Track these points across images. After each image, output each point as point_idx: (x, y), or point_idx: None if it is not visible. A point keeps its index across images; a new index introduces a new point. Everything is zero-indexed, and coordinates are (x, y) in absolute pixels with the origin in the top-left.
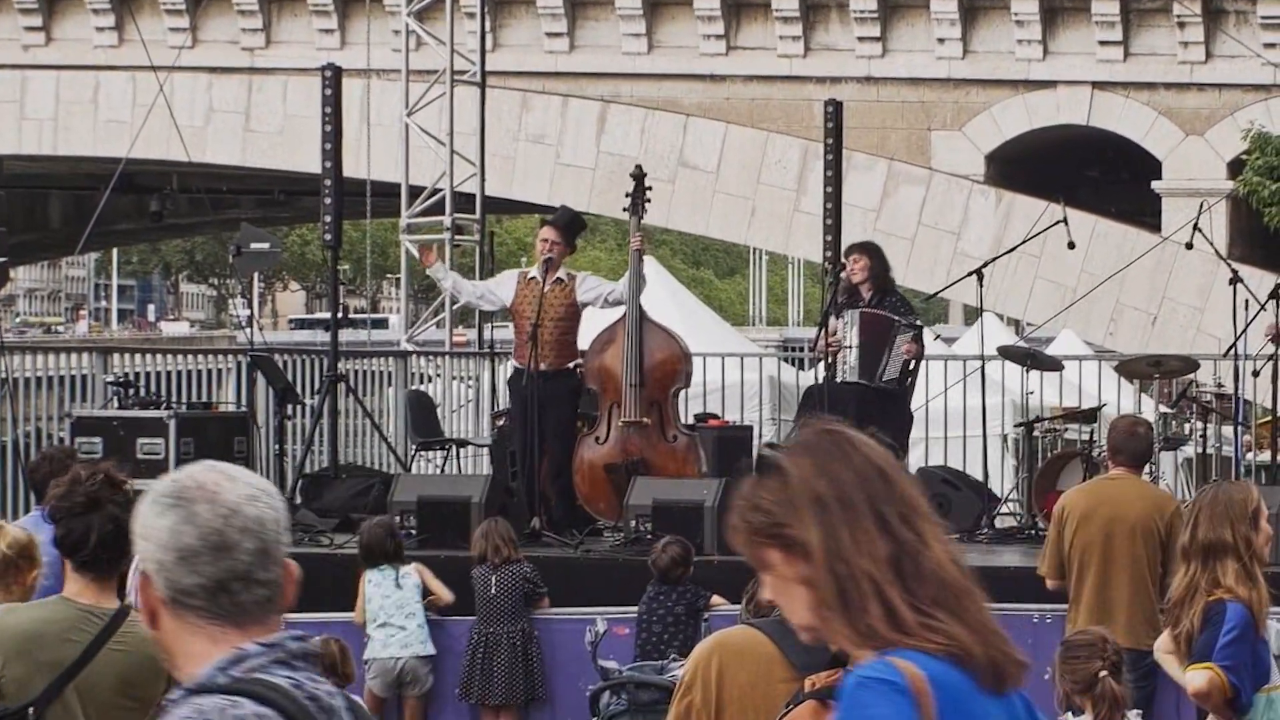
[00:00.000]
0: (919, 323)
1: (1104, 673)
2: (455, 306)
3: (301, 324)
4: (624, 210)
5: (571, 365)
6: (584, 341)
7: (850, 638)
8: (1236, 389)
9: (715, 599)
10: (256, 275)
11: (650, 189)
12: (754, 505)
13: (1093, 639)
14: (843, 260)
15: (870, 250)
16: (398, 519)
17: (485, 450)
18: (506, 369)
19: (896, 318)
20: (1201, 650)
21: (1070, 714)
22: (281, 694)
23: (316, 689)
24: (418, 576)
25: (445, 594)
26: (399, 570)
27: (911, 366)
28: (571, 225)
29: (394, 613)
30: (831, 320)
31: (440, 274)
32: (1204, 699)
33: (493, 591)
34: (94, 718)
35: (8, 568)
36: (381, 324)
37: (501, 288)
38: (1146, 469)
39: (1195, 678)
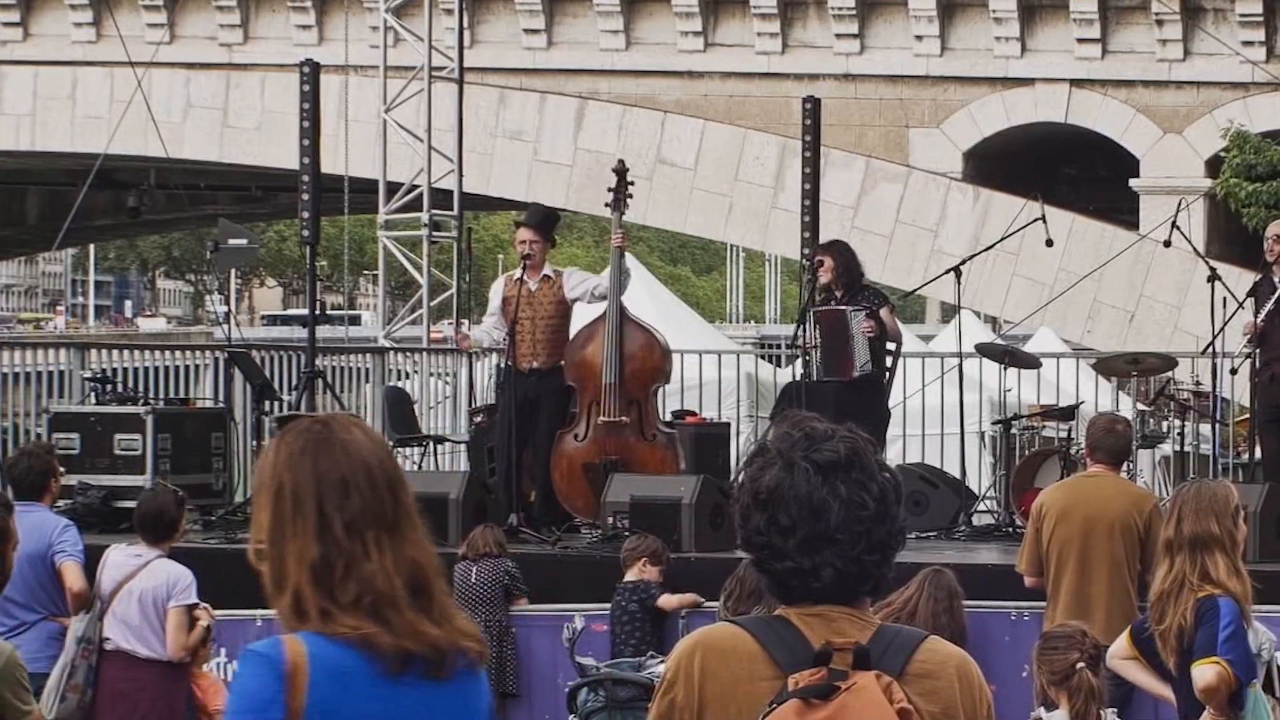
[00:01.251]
0: (876, 305)
1: (1081, 664)
2: (432, 303)
3: (275, 320)
4: (605, 205)
5: (564, 362)
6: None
7: (277, 617)
8: (1214, 387)
9: (663, 599)
10: (234, 271)
11: (632, 184)
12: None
13: (1071, 631)
14: (821, 258)
15: (836, 249)
16: None
17: (463, 447)
18: (487, 365)
19: (845, 307)
20: (1204, 646)
21: (1044, 710)
22: None
23: None
24: None
25: None
26: None
27: (889, 358)
28: (546, 222)
29: None
30: (805, 322)
31: (475, 349)
32: (1211, 694)
33: (472, 580)
34: None
35: None
36: (354, 320)
37: (496, 297)
38: (1125, 466)
39: (1205, 673)
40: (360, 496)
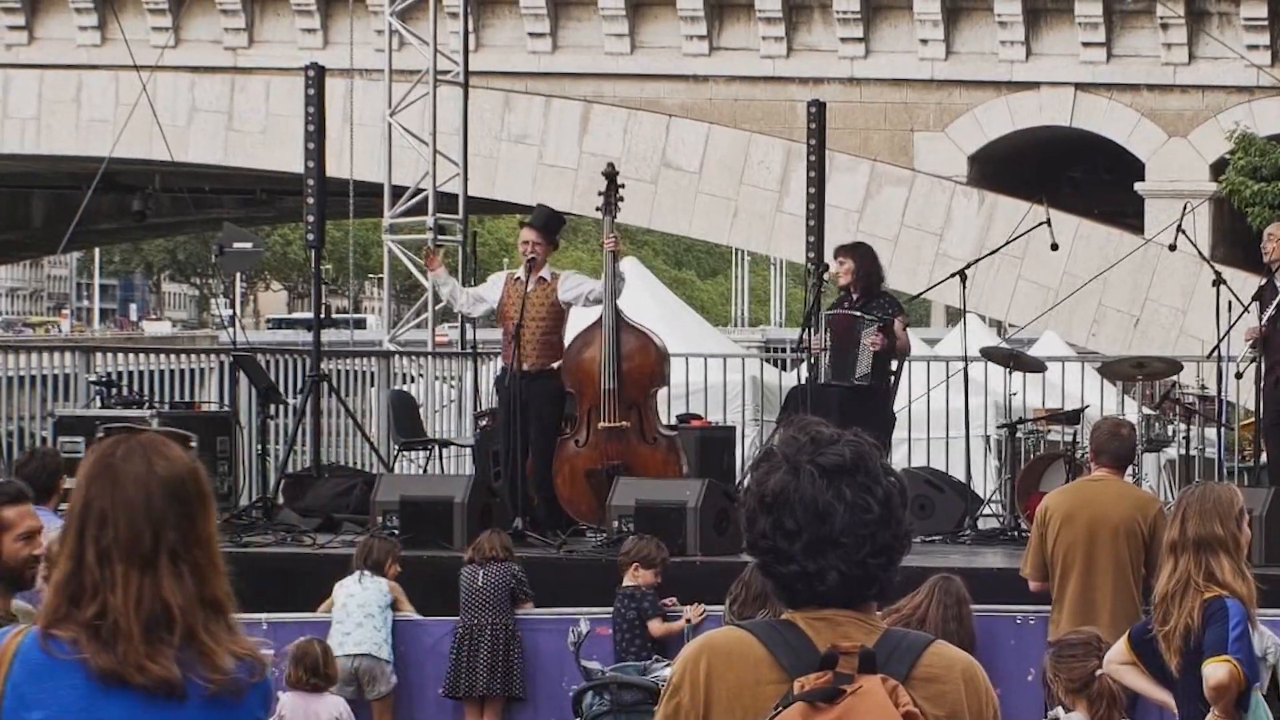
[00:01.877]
0: (894, 316)
1: (1100, 671)
2: (438, 307)
3: (280, 324)
4: (596, 210)
5: (555, 365)
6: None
7: None
8: (1220, 391)
9: (653, 624)
10: (239, 275)
11: (623, 187)
12: None
13: (1087, 638)
14: (827, 262)
15: (857, 252)
16: (380, 518)
17: (468, 450)
18: (493, 369)
19: (858, 313)
20: (1214, 646)
21: (1062, 710)
22: None
23: None
24: (386, 585)
25: (411, 612)
26: (371, 576)
27: (894, 365)
28: (550, 223)
29: (354, 612)
30: (811, 325)
31: (441, 280)
32: (1222, 692)
33: (479, 583)
34: None
35: None
36: (359, 324)
37: (491, 291)
38: (1129, 470)
39: (1216, 670)
40: (115, 531)
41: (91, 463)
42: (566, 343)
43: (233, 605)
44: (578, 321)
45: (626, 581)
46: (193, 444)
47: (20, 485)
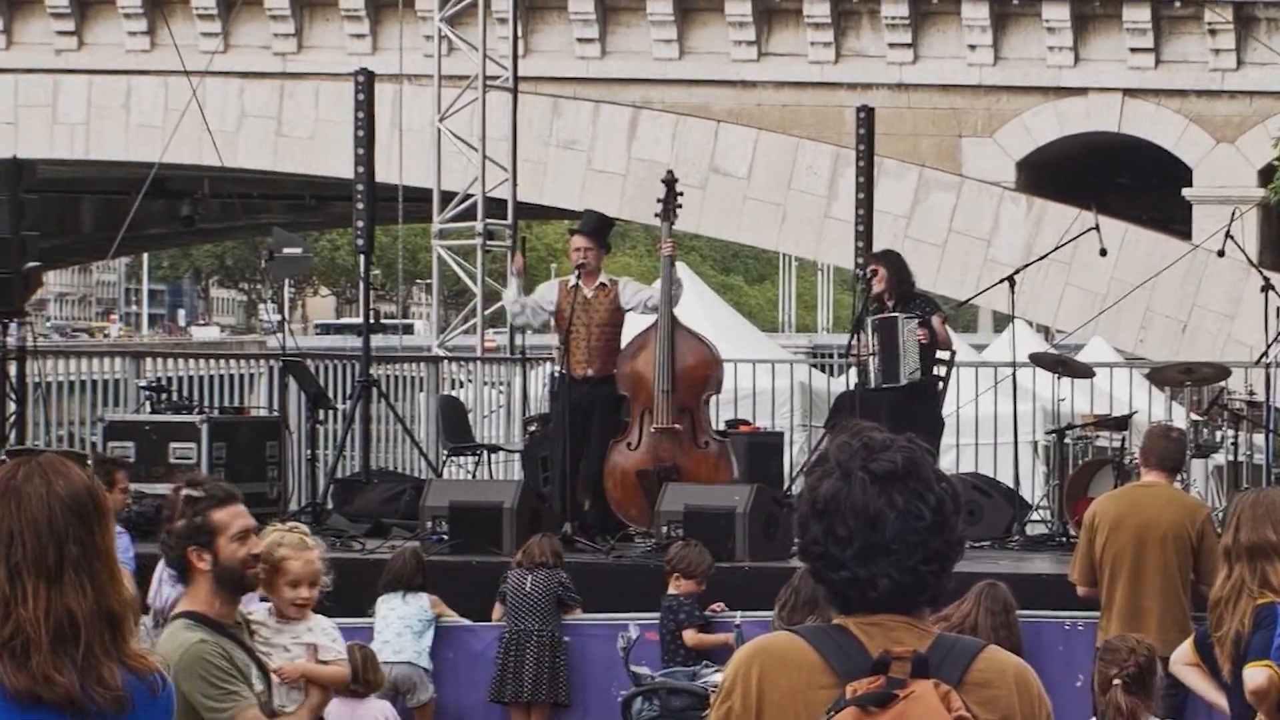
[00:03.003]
0: (927, 312)
1: (1116, 681)
2: (487, 312)
3: (328, 329)
4: (655, 216)
5: (614, 371)
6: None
7: None
8: (1268, 396)
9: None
10: (287, 280)
11: (682, 194)
12: None
13: (1122, 646)
14: (874, 266)
15: (888, 259)
16: (430, 523)
17: (516, 456)
18: (541, 375)
19: (897, 314)
20: (1258, 650)
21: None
22: None
23: None
24: (428, 600)
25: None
26: (413, 594)
27: (944, 356)
28: (600, 229)
29: (394, 623)
30: (860, 331)
31: (514, 288)
32: (1261, 697)
33: (527, 589)
34: None
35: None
36: (407, 329)
37: (546, 298)
38: (1178, 476)
39: (1255, 675)
40: (22, 548)
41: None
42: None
43: (133, 614)
44: (630, 328)
45: (670, 590)
46: (89, 462)
47: (229, 486)
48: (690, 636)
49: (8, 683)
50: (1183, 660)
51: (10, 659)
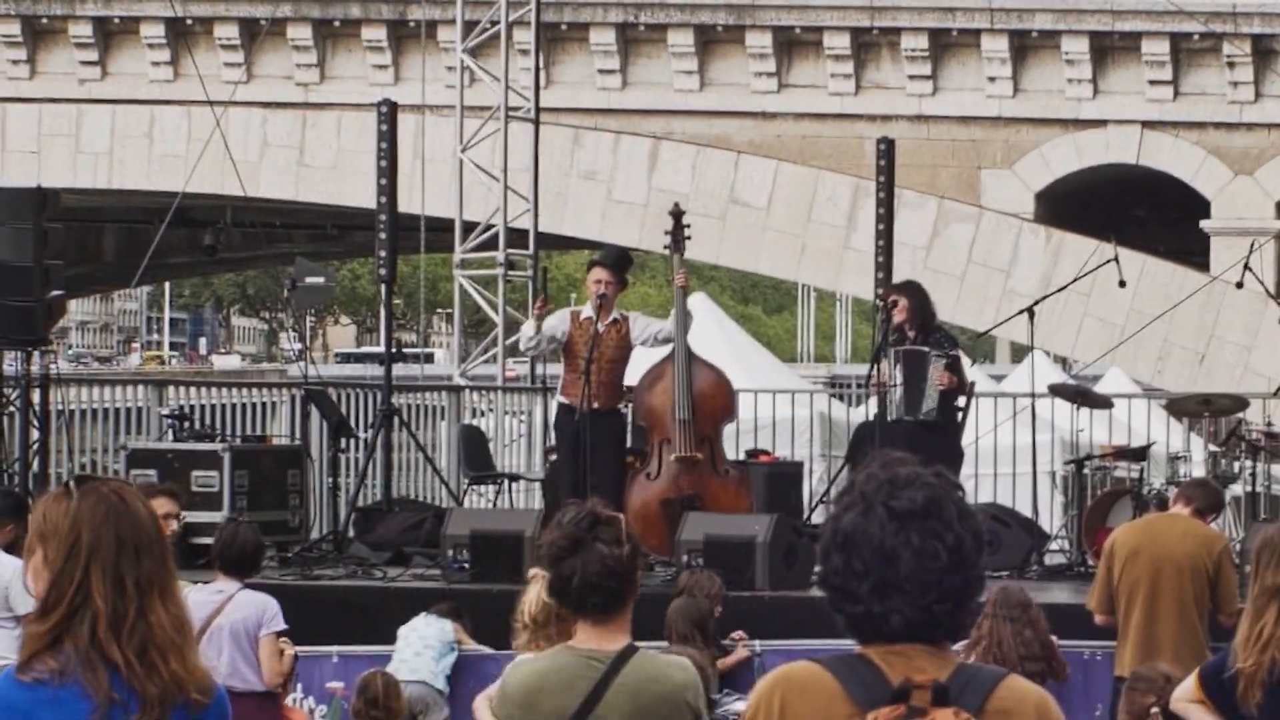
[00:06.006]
0: (955, 353)
1: (1155, 709)
2: (508, 342)
3: (348, 358)
4: (664, 248)
5: (621, 405)
6: (630, 379)
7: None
8: None
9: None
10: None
11: (689, 225)
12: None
13: (1155, 675)
14: (895, 297)
15: (910, 290)
16: (451, 551)
17: (537, 485)
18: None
19: (928, 349)
20: None
21: None
22: None
23: None
24: (451, 626)
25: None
26: (436, 617)
27: (960, 402)
28: (620, 263)
29: (414, 643)
30: (881, 360)
31: (531, 329)
32: None
33: None
34: None
35: (549, 618)
36: (428, 359)
37: (558, 328)
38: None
39: None
40: (148, 557)
41: (105, 507)
42: (635, 379)
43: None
44: (639, 363)
45: None
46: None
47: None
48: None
49: (141, 688)
50: (1185, 697)
51: (141, 664)
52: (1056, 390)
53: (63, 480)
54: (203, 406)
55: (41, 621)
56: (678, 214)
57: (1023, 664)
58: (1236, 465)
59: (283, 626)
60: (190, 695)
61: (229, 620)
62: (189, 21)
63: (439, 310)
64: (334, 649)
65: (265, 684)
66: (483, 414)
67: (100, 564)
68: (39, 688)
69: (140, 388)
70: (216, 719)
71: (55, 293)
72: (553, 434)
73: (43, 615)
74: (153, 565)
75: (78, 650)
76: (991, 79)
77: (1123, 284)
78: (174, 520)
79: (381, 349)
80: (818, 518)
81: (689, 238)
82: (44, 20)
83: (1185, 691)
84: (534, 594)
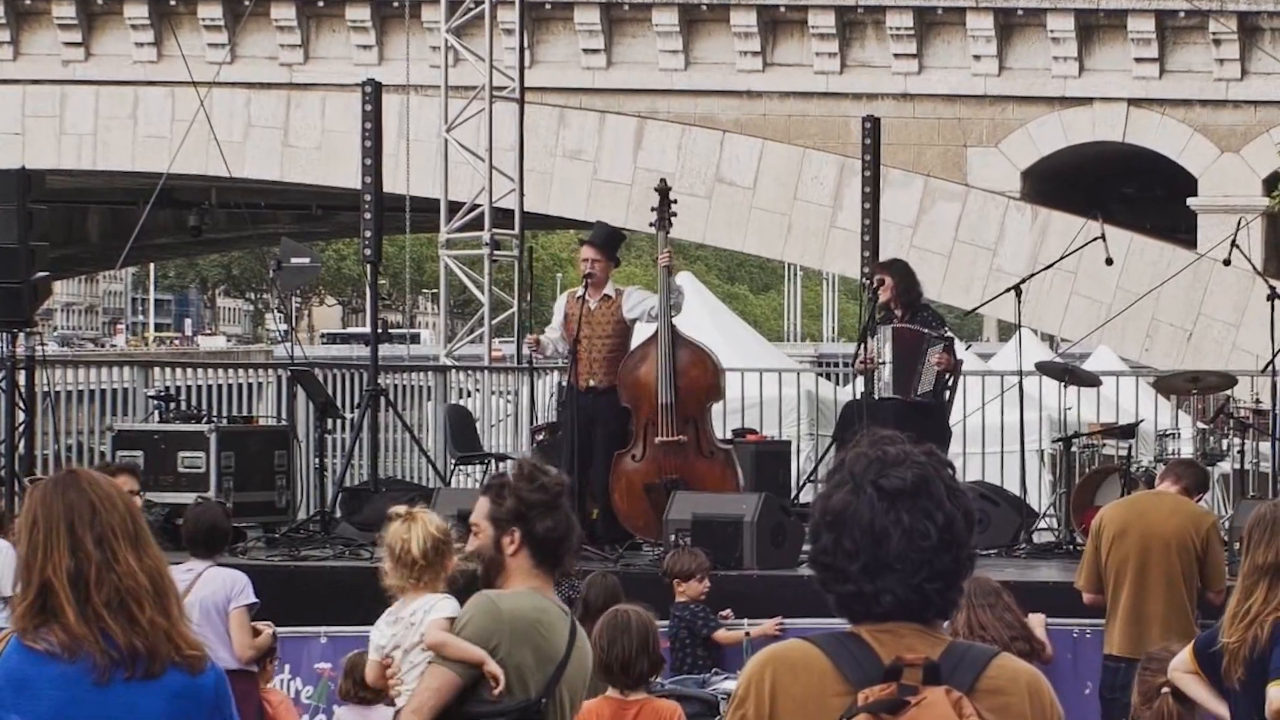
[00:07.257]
0: (949, 334)
1: (1165, 689)
2: (494, 322)
3: (334, 338)
4: (650, 225)
5: (617, 384)
6: None
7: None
8: (1274, 405)
9: (720, 634)
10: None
11: (675, 202)
12: None
13: (1168, 656)
14: (880, 276)
15: (895, 269)
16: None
17: None
18: (548, 383)
19: (927, 330)
20: (1279, 669)
21: None
22: None
23: None
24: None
25: None
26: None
27: (949, 380)
28: (610, 241)
29: None
30: (868, 339)
31: (545, 350)
32: None
33: None
34: (568, 714)
35: (439, 553)
36: (414, 339)
37: (557, 327)
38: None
39: (1277, 695)
40: (108, 514)
41: (55, 483)
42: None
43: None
44: (640, 338)
45: (678, 599)
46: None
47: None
48: (722, 635)
49: (121, 640)
50: (1181, 668)
51: (120, 615)
52: (1044, 368)
53: (49, 462)
54: (189, 387)
55: (21, 599)
56: (663, 190)
57: (1012, 644)
58: (1224, 443)
59: (252, 600)
60: (184, 652)
61: (198, 597)
62: (173, 2)
63: (425, 290)
64: (321, 630)
65: (235, 656)
66: (469, 394)
67: (56, 530)
68: (42, 658)
69: (126, 369)
70: (215, 679)
71: (40, 274)
72: (539, 414)
73: (23, 594)
74: (114, 519)
75: (61, 617)
76: (977, 57)
77: (1110, 262)
78: (136, 497)
79: (367, 329)
80: (805, 497)
81: (675, 214)
82: (27, 1)
83: (1181, 662)
84: (421, 531)
